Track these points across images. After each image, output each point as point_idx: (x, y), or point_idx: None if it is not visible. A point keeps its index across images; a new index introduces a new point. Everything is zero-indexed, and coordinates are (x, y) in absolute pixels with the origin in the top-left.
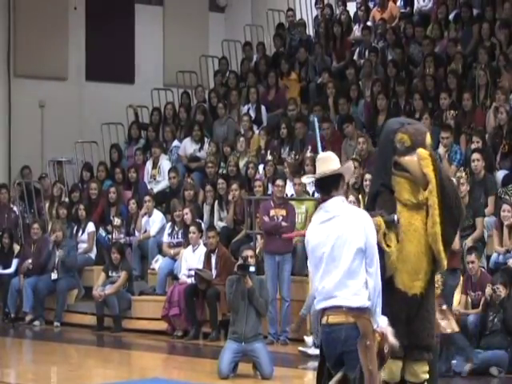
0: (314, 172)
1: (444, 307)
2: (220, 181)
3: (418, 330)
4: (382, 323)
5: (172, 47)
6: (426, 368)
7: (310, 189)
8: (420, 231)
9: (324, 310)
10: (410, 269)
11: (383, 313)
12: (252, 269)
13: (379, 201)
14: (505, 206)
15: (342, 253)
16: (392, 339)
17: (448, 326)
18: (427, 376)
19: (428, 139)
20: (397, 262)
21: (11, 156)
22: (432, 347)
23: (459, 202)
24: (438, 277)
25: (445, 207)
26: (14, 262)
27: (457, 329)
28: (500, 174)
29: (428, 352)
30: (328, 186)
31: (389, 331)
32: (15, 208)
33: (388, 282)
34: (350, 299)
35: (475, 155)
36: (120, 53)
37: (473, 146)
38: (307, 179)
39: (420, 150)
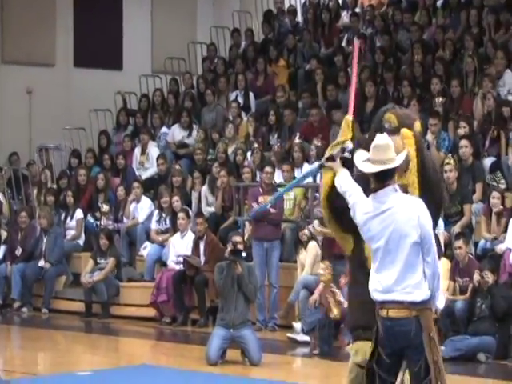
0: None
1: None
2: (215, 165)
3: None
4: (439, 306)
5: (160, 33)
6: None
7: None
8: None
9: (382, 303)
10: None
11: (359, 295)
12: (244, 254)
13: (355, 175)
14: (494, 193)
15: (398, 247)
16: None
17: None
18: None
19: (417, 126)
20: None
21: None
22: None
23: (442, 186)
24: (326, 263)
25: (425, 189)
26: (2, 248)
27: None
28: (488, 161)
29: None
30: (384, 175)
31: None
32: (0, 194)
33: (362, 266)
34: (412, 293)
35: (463, 142)
36: (108, 39)
37: (460, 131)
38: (365, 167)
39: (404, 130)
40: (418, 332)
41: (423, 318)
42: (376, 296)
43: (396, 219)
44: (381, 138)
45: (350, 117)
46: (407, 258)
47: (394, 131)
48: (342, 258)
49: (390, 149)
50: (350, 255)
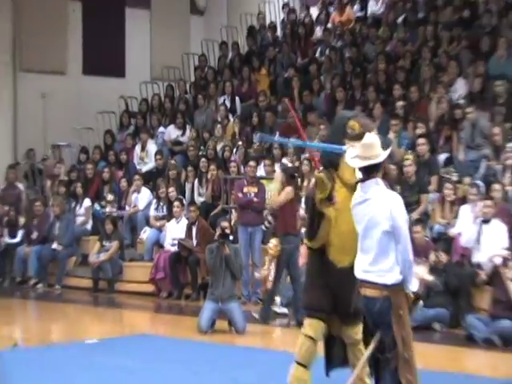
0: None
1: (272, 266)
2: (202, 160)
3: (346, 298)
4: (412, 289)
5: (158, 46)
6: (358, 329)
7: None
8: None
9: (362, 282)
10: (342, 245)
11: (315, 281)
12: (230, 237)
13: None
14: (447, 185)
15: (372, 234)
16: (427, 276)
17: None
18: (360, 336)
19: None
20: (332, 236)
21: (17, 140)
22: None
23: (395, 188)
24: (277, 240)
25: None
26: (20, 232)
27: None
28: (442, 157)
29: (356, 316)
30: (371, 169)
31: (421, 271)
32: (20, 185)
33: (323, 254)
34: (384, 276)
35: (421, 140)
36: (112, 50)
37: (417, 131)
38: (354, 162)
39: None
40: (386, 311)
41: (394, 297)
42: (358, 274)
43: (372, 210)
44: (368, 137)
45: (320, 173)
46: (380, 244)
47: (355, 137)
48: (293, 236)
49: (376, 146)
50: (313, 245)
